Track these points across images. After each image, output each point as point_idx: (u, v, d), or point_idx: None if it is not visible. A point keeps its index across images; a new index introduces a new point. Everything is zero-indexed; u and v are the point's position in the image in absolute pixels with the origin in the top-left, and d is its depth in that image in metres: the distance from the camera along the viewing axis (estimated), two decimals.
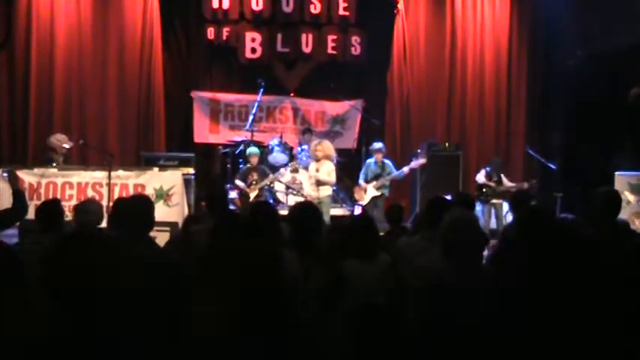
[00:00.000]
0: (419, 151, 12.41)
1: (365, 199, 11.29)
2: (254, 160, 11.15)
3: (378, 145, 11.49)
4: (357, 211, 11.11)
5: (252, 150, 11.26)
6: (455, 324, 3.56)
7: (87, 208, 5.84)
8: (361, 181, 11.43)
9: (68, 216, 6.46)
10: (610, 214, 5.39)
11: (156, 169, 10.33)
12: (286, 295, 3.22)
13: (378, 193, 11.25)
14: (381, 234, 6.25)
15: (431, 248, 4.78)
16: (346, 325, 3.02)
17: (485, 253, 5.46)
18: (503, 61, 13.62)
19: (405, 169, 11.47)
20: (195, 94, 13.12)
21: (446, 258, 3.96)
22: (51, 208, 5.59)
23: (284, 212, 7.39)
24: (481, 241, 4.10)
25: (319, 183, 10.44)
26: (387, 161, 11.49)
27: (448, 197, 6.71)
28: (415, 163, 11.59)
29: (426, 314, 3.81)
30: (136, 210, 4.54)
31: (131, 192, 9.88)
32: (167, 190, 9.97)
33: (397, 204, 7.80)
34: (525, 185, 11.51)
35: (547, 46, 13.52)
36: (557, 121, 13.48)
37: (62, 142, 10.62)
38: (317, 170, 10.52)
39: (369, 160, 11.56)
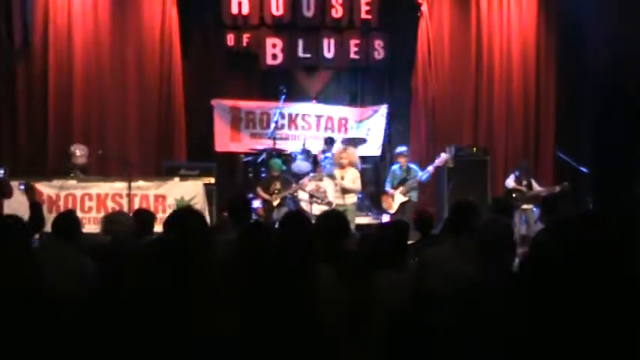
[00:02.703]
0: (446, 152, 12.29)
1: (394, 207, 11.17)
2: (276, 172, 11.13)
3: (401, 148, 11.40)
4: (385, 219, 10.99)
5: (275, 162, 11.24)
6: (488, 328, 3.57)
7: (117, 219, 5.97)
8: (388, 188, 11.32)
9: (85, 227, 6.52)
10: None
11: (177, 179, 10.32)
12: (320, 314, 3.10)
13: (405, 199, 11.15)
14: (410, 242, 6.18)
15: (458, 255, 4.74)
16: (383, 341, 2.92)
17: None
18: (530, 61, 13.46)
19: (430, 168, 11.32)
20: (215, 102, 13.02)
21: (479, 260, 3.97)
22: (66, 219, 5.56)
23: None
24: (514, 247, 4.15)
25: (344, 191, 10.33)
26: (412, 165, 11.39)
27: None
28: (439, 161, 11.41)
29: (459, 321, 3.75)
30: None
31: (152, 203, 9.87)
32: (189, 201, 9.94)
33: (426, 212, 7.71)
34: (557, 189, 11.36)
35: (575, 45, 13.35)
36: (587, 123, 13.27)
37: (81, 152, 10.57)
38: (342, 178, 10.41)
39: (393, 167, 11.48)
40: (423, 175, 11.25)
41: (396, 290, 4.53)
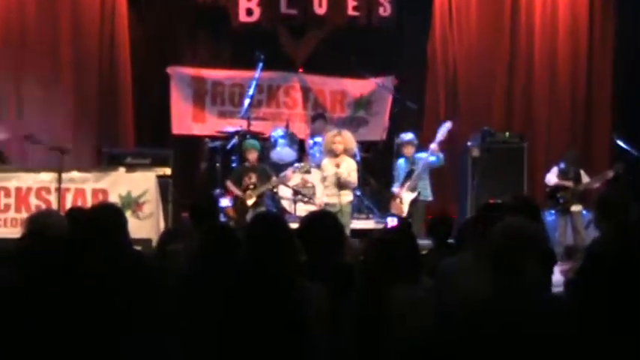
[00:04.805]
0: (470, 142, 12.31)
1: (404, 210, 11.10)
2: (252, 157, 11.04)
3: (407, 136, 11.28)
4: (391, 223, 10.98)
5: (250, 144, 11.16)
6: None
7: (44, 221, 5.81)
8: (395, 188, 11.23)
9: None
10: None
11: (122, 169, 10.34)
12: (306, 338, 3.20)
13: (414, 195, 11.02)
14: (424, 252, 6.23)
15: (478, 269, 4.70)
16: None
17: (558, 277, 5.49)
18: (582, 24, 13.58)
19: (434, 145, 11.05)
20: (172, 70, 13.05)
21: (495, 278, 3.92)
22: None
23: (293, 225, 7.30)
24: (546, 259, 4.04)
25: (339, 186, 10.32)
26: (419, 155, 11.24)
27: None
28: (442, 132, 11.19)
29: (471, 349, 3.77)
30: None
31: (89, 200, 9.85)
32: (137, 198, 9.99)
33: (443, 214, 7.74)
34: (610, 174, 11.42)
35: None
36: None
37: None
38: (337, 166, 10.39)
39: (399, 161, 11.34)
40: (428, 157, 11.15)
41: (414, 309, 4.56)
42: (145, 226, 9.79)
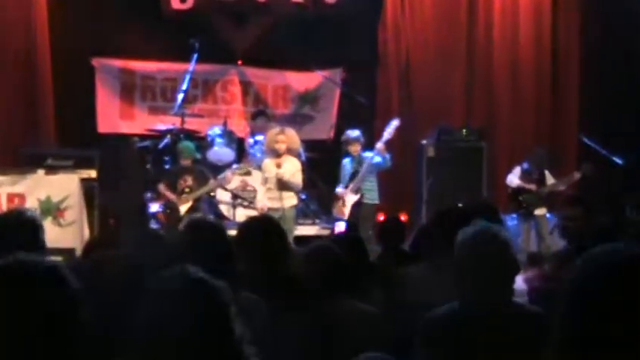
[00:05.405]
0: (425, 141, 12.30)
1: (346, 212, 11.13)
2: (186, 163, 11.09)
3: (353, 133, 11.31)
4: (339, 228, 10.99)
5: (185, 145, 11.19)
6: None
7: None
8: (339, 189, 11.24)
9: None
10: None
11: (41, 171, 10.23)
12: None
13: (357, 197, 11.04)
14: (373, 260, 6.34)
15: (436, 281, 4.82)
16: None
17: (522, 286, 5.51)
18: (545, 13, 13.67)
19: (379, 144, 11.09)
20: (98, 61, 13.00)
21: (460, 290, 3.99)
22: None
23: (231, 232, 7.26)
24: (512, 269, 4.08)
25: (282, 188, 10.29)
26: (365, 154, 11.25)
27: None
28: (390, 131, 11.24)
29: None
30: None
31: (4, 205, 9.76)
32: (58, 203, 9.93)
33: (393, 217, 7.75)
34: (576, 176, 11.51)
35: None
36: (623, 97, 13.44)
37: None
38: (279, 166, 10.35)
39: (344, 160, 11.37)
40: (373, 157, 11.15)
41: (363, 325, 4.56)
42: (68, 234, 9.73)
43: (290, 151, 10.55)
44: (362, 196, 11.01)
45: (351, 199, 11.07)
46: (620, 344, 3.14)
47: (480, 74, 13.61)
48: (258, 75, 13.58)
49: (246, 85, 13.55)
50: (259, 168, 11.06)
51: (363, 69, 13.61)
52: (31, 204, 9.70)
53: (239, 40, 13.64)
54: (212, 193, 11.31)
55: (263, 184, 10.73)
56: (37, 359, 2.66)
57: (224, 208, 11.56)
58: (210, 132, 12.24)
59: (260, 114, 12.68)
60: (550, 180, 11.63)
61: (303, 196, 11.28)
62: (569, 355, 3.14)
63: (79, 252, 8.18)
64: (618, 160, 12.32)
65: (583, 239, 6.24)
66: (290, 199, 10.43)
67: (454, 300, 4.06)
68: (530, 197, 11.50)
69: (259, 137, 11.88)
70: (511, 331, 3.83)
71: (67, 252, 8.73)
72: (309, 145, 12.24)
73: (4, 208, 9.65)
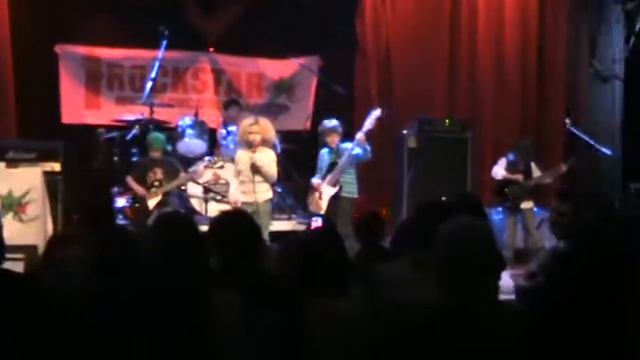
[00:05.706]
0: (406, 131, 12.31)
1: (323, 206, 11.11)
2: (157, 155, 11.10)
3: (331, 123, 11.27)
4: (315, 224, 10.98)
5: (155, 136, 11.19)
6: None
7: None
8: (314, 180, 11.21)
9: None
10: None
11: (2, 164, 10.22)
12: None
13: (335, 189, 11.02)
14: (351, 257, 6.19)
15: (417, 279, 4.83)
16: None
17: (508, 283, 5.59)
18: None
19: (360, 135, 10.99)
20: (62, 48, 12.96)
21: (441, 288, 4.00)
22: None
23: (203, 227, 7.26)
24: (496, 264, 4.13)
25: (257, 173, 10.24)
26: (344, 145, 11.23)
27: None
28: (370, 122, 11.23)
29: None
30: None
31: None
32: (19, 197, 9.91)
33: (372, 212, 7.72)
34: (563, 168, 11.54)
35: None
36: (614, 85, 13.50)
37: None
38: (252, 158, 10.32)
39: (322, 151, 11.36)
40: (352, 148, 11.12)
41: (340, 325, 4.52)
42: (30, 230, 9.69)
43: (265, 142, 10.47)
44: (340, 189, 10.99)
45: (328, 191, 11.04)
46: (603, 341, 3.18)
47: (463, 65, 13.62)
48: (230, 62, 13.60)
49: (218, 73, 13.58)
50: (232, 160, 11.02)
51: (340, 57, 13.59)
52: None
53: (210, 26, 13.68)
54: (183, 187, 11.32)
55: (236, 176, 10.69)
56: None
57: (195, 203, 11.56)
58: (180, 122, 12.24)
59: (232, 103, 12.69)
60: (536, 172, 11.66)
61: (279, 190, 11.27)
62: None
63: (41, 249, 8.13)
64: (607, 151, 12.38)
65: (571, 234, 6.26)
66: (264, 193, 10.35)
67: (435, 298, 4.06)
68: (516, 189, 11.52)
69: (232, 128, 11.90)
70: (495, 330, 3.84)
71: (30, 249, 8.68)
72: (285, 135, 12.27)
73: None
